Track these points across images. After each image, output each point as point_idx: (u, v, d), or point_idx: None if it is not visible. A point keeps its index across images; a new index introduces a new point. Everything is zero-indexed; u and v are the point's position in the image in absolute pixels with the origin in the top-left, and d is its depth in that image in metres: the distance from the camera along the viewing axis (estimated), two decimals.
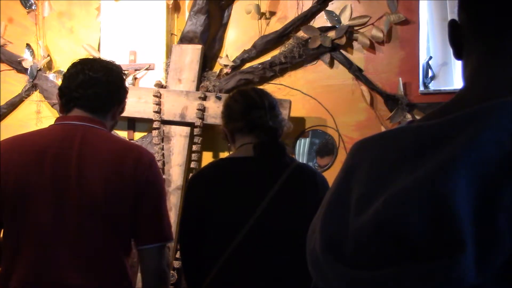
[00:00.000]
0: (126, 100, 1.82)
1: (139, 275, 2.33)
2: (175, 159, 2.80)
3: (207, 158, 2.87)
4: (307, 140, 2.78)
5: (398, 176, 0.59)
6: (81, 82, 1.67)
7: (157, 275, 1.67)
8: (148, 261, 1.66)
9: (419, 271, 0.55)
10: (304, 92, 2.77)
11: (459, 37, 0.73)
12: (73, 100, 1.68)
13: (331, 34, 2.70)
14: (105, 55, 2.97)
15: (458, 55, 0.75)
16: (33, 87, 3.13)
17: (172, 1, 2.93)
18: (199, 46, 2.85)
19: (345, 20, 2.69)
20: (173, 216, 2.76)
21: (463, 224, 0.53)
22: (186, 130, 2.82)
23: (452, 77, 2.63)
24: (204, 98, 2.77)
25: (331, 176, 1.81)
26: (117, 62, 2.85)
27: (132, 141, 2.88)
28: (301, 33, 2.76)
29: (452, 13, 2.56)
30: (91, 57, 1.82)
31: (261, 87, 2.56)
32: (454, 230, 0.53)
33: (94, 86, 1.68)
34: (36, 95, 3.15)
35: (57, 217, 1.56)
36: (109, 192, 1.59)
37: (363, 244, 0.59)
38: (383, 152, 0.63)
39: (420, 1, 2.62)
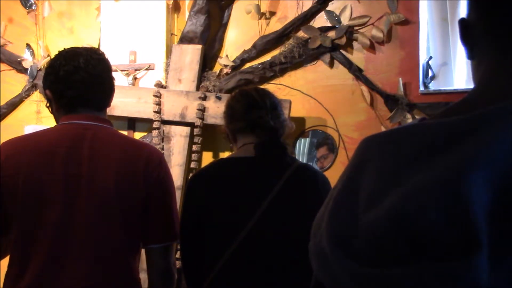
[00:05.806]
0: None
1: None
2: (175, 159, 2.80)
3: (207, 158, 2.87)
4: (307, 140, 2.78)
5: (413, 172, 0.58)
6: (83, 80, 1.60)
7: (163, 274, 1.66)
8: (155, 260, 1.65)
9: (434, 270, 0.54)
10: (304, 92, 2.77)
11: (471, 37, 0.72)
12: (78, 100, 1.62)
13: (331, 34, 2.70)
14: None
15: (470, 56, 0.73)
16: (33, 87, 3.14)
17: (172, 1, 2.94)
18: (199, 46, 2.85)
19: (345, 20, 2.69)
20: None
21: (480, 224, 0.53)
22: (186, 130, 2.82)
23: (452, 77, 2.63)
24: (204, 98, 2.77)
25: (331, 176, 1.82)
26: (117, 62, 2.92)
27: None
28: (301, 33, 2.76)
29: (452, 13, 2.56)
30: (74, 47, 1.69)
31: (261, 87, 2.55)
32: (471, 230, 0.53)
33: (99, 84, 1.63)
34: (36, 95, 3.16)
35: (68, 216, 1.54)
36: (120, 191, 1.57)
37: (374, 240, 0.58)
38: (396, 147, 0.62)
39: (420, 1, 2.62)
